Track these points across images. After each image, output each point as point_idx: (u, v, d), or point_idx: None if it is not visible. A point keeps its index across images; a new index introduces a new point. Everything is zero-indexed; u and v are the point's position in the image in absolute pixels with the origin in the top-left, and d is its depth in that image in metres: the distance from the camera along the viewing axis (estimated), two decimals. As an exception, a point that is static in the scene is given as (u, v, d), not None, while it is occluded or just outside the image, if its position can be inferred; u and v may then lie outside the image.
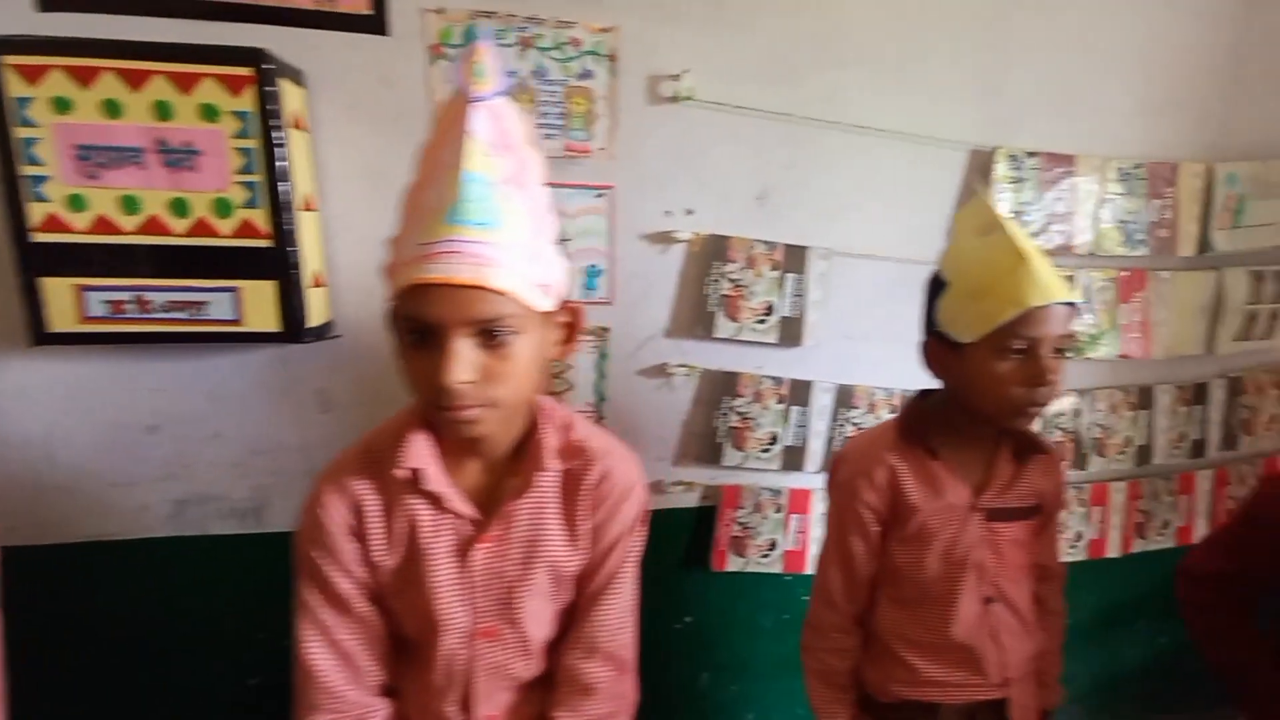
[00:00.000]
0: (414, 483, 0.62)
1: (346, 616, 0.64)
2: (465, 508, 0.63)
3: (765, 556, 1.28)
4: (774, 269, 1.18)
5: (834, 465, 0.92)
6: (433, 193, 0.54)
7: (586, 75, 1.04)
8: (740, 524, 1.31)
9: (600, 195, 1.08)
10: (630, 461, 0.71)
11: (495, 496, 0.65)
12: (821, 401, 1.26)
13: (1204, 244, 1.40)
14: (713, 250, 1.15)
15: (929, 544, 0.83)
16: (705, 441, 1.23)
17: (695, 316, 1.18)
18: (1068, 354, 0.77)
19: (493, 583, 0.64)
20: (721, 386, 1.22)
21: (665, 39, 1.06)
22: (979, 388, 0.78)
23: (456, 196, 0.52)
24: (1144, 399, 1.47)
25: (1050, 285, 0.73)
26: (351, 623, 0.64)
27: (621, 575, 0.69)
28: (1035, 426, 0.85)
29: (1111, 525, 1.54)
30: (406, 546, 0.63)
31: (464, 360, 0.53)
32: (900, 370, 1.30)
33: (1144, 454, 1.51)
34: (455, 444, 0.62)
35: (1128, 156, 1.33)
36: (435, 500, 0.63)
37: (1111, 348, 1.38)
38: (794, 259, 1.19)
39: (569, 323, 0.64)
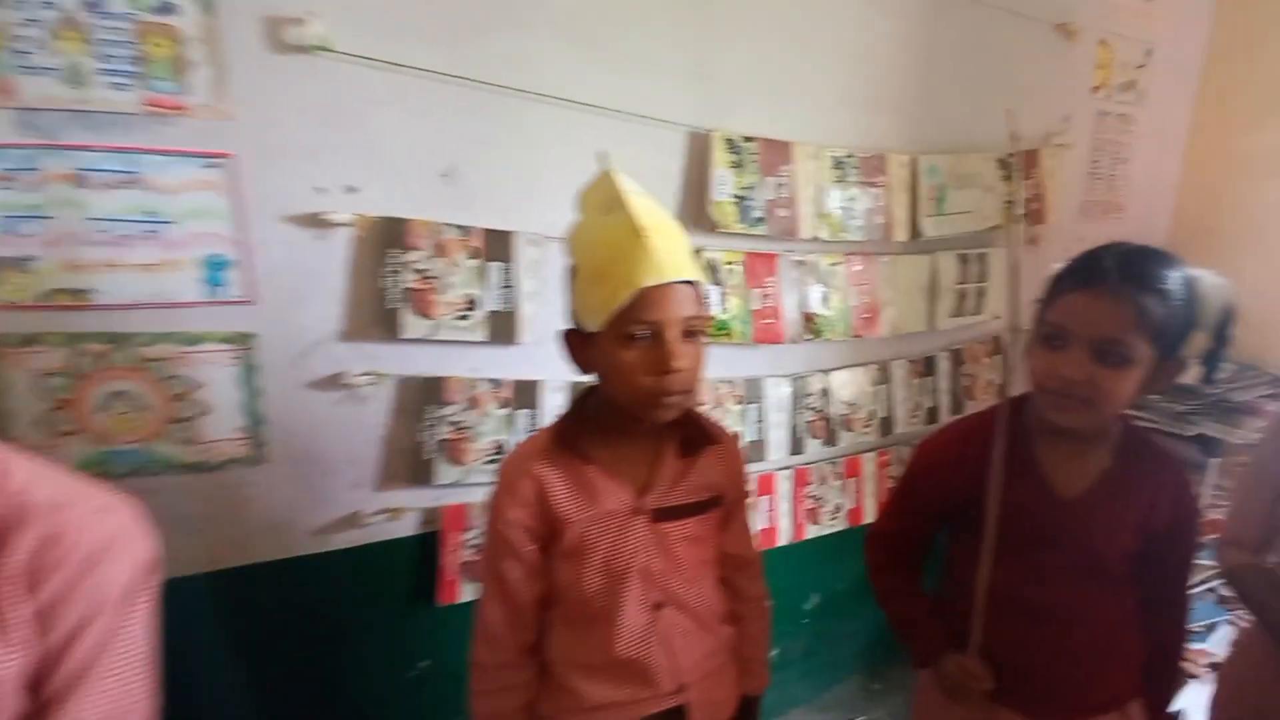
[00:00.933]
0: None
1: None
2: None
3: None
4: (473, 257, 0.98)
5: None
6: None
7: (167, 9, 0.74)
8: (472, 547, 1.12)
9: (213, 166, 0.80)
10: (107, 512, 0.50)
11: None
12: (554, 402, 1.08)
13: (915, 230, 1.44)
14: (387, 235, 0.92)
15: (587, 557, 0.71)
16: (412, 459, 1.00)
17: (375, 315, 0.94)
18: (702, 336, 0.69)
19: None
20: (424, 394, 0.99)
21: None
22: (612, 380, 0.69)
23: None
24: (883, 374, 1.51)
25: (665, 263, 0.64)
26: None
27: (96, 675, 0.48)
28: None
29: (866, 494, 1.64)
30: None
31: None
32: None
33: (887, 425, 1.53)
34: None
35: (840, 146, 1.31)
36: None
37: (844, 328, 1.38)
38: (498, 245, 1.00)
39: None
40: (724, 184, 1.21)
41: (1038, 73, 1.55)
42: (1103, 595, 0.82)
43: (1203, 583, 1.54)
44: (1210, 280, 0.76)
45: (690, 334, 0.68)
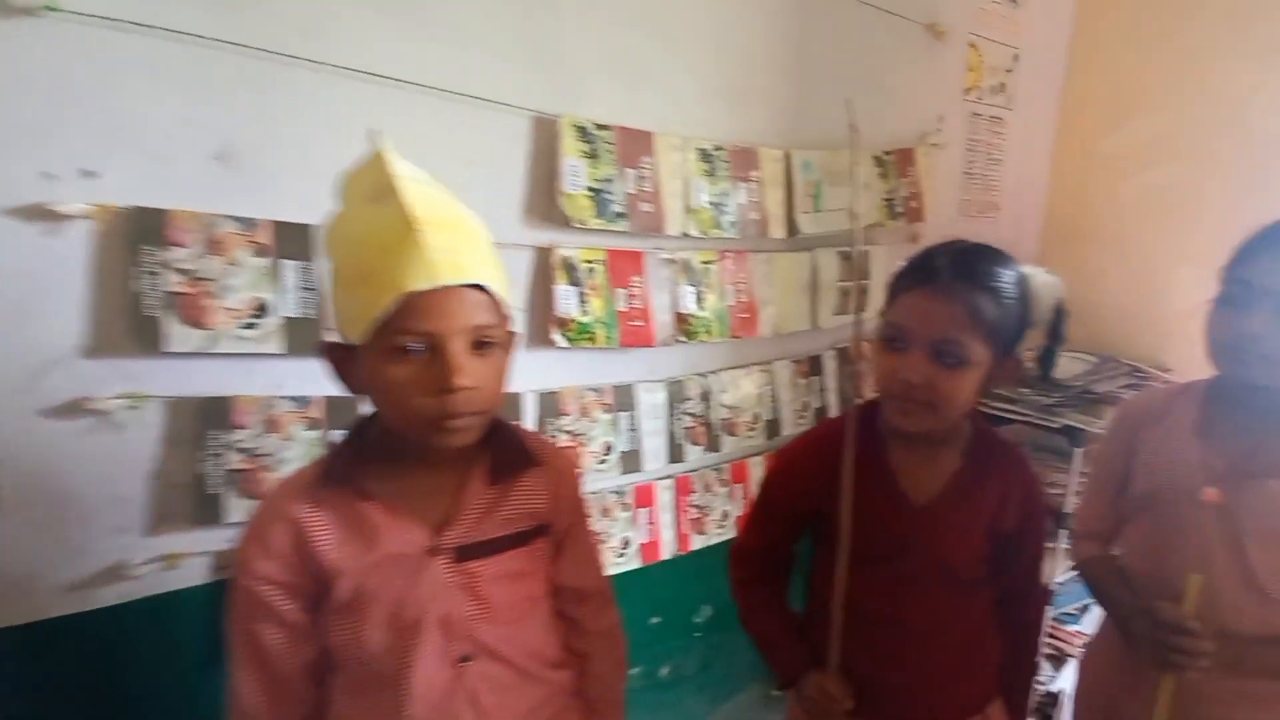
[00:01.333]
0: None
1: None
2: None
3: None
4: (260, 255, 0.84)
5: None
6: None
7: None
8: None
9: None
10: None
11: None
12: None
13: (792, 227, 1.39)
14: (139, 229, 0.77)
15: (368, 610, 0.60)
16: (193, 495, 0.84)
17: (129, 325, 0.78)
18: (502, 349, 0.61)
19: None
20: (204, 418, 0.84)
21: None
22: (383, 402, 0.59)
23: None
24: (766, 375, 1.43)
25: (441, 263, 0.55)
26: None
27: None
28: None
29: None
30: None
31: None
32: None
33: (773, 427, 1.49)
34: None
35: (707, 138, 1.25)
36: None
37: (721, 329, 1.31)
38: (293, 241, 0.86)
39: None
40: (576, 175, 1.12)
41: (911, 72, 1.56)
42: (958, 601, 0.81)
43: (1074, 568, 1.60)
44: (1042, 278, 0.76)
45: (483, 346, 0.59)
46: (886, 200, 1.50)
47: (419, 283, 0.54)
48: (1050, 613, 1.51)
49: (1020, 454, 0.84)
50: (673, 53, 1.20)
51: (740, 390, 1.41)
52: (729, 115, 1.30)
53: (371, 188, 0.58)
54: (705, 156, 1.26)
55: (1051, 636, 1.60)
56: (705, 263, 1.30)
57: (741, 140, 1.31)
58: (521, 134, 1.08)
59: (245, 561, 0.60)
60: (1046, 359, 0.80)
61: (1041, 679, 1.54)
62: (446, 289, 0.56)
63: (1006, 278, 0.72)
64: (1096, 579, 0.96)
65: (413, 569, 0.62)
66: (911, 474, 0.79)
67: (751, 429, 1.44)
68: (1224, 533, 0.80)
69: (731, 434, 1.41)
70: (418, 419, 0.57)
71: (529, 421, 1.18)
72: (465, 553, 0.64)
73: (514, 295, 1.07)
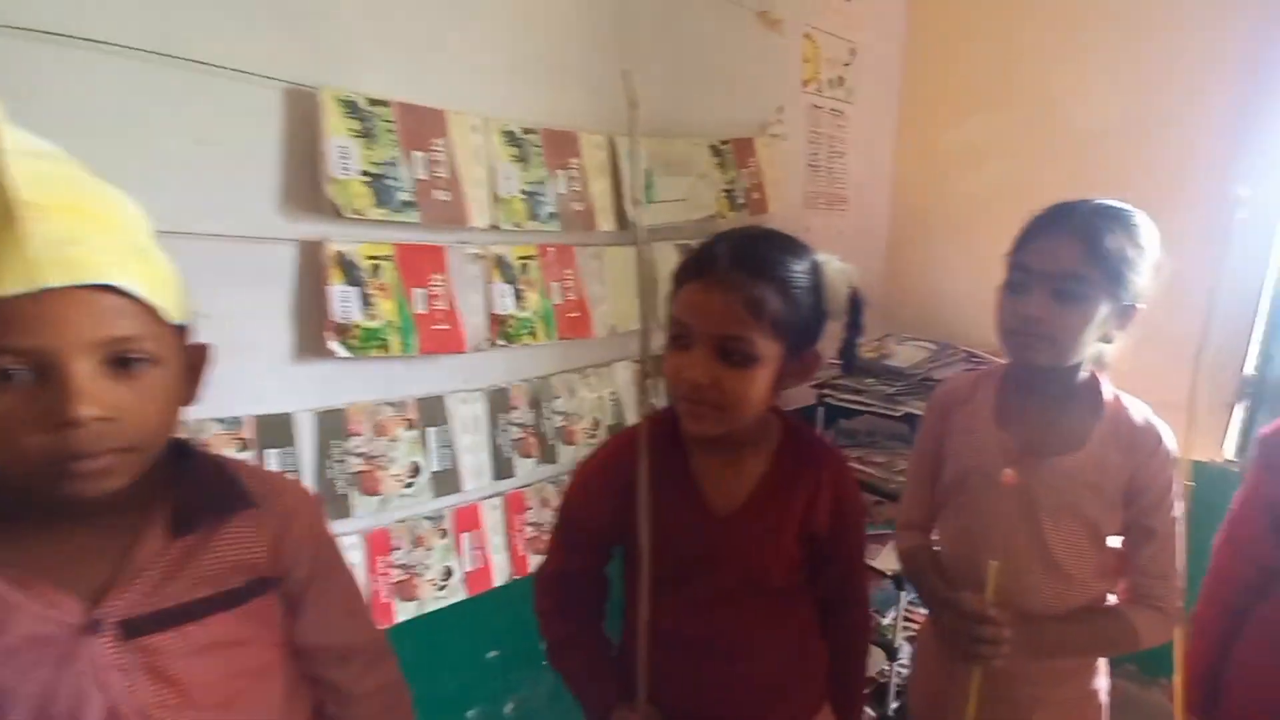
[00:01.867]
0: None
1: None
2: None
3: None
4: None
5: None
6: None
7: None
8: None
9: None
10: None
11: None
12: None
13: (622, 219, 1.30)
14: None
15: (4, 714, 0.46)
16: None
17: None
18: (152, 365, 0.48)
19: None
20: None
21: None
22: None
23: None
24: (604, 378, 1.33)
25: (49, 259, 0.42)
26: None
27: None
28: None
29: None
30: None
31: None
32: (248, 388, 0.94)
33: (614, 433, 1.54)
34: None
35: (515, 120, 1.14)
36: None
37: (547, 330, 1.20)
38: None
39: None
40: (346, 158, 0.96)
41: (747, 61, 1.53)
42: (775, 613, 0.77)
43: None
44: (836, 266, 0.72)
45: (126, 364, 0.47)
46: (726, 191, 1.46)
47: (13, 285, 0.42)
48: (906, 597, 1.53)
49: (833, 453, 0.81)
50: (466, 16, 1.07)
51: (576, 396, 1.31)
52: (540, 95, 1.19)
53: None
54: (513, 140, 1.14)
55: (908, 621, 1.64)
56: (523, 258, 1.18)
57: (557, 123, 1.20)
58: (273, 108, 0.91)
59: None
60: (847, 351, 0.76)
61: (879, 670, 1.57)
62: (58, 292, 0.43)
63: (792, 266, 0.68)
64: (913, 571, 0.97)
65: (61, 654, 0.48)
66: (715, 482, 0.74)
67: (592, 436, 1.34)
68: (1023, 513, 0.82)
69: (569, 443, 1.31)
70: (27, 463, 0.44)
71: (307, 446, 1.00)
72: (138, 626, 0.51)
73: (250, 297, 0.90)
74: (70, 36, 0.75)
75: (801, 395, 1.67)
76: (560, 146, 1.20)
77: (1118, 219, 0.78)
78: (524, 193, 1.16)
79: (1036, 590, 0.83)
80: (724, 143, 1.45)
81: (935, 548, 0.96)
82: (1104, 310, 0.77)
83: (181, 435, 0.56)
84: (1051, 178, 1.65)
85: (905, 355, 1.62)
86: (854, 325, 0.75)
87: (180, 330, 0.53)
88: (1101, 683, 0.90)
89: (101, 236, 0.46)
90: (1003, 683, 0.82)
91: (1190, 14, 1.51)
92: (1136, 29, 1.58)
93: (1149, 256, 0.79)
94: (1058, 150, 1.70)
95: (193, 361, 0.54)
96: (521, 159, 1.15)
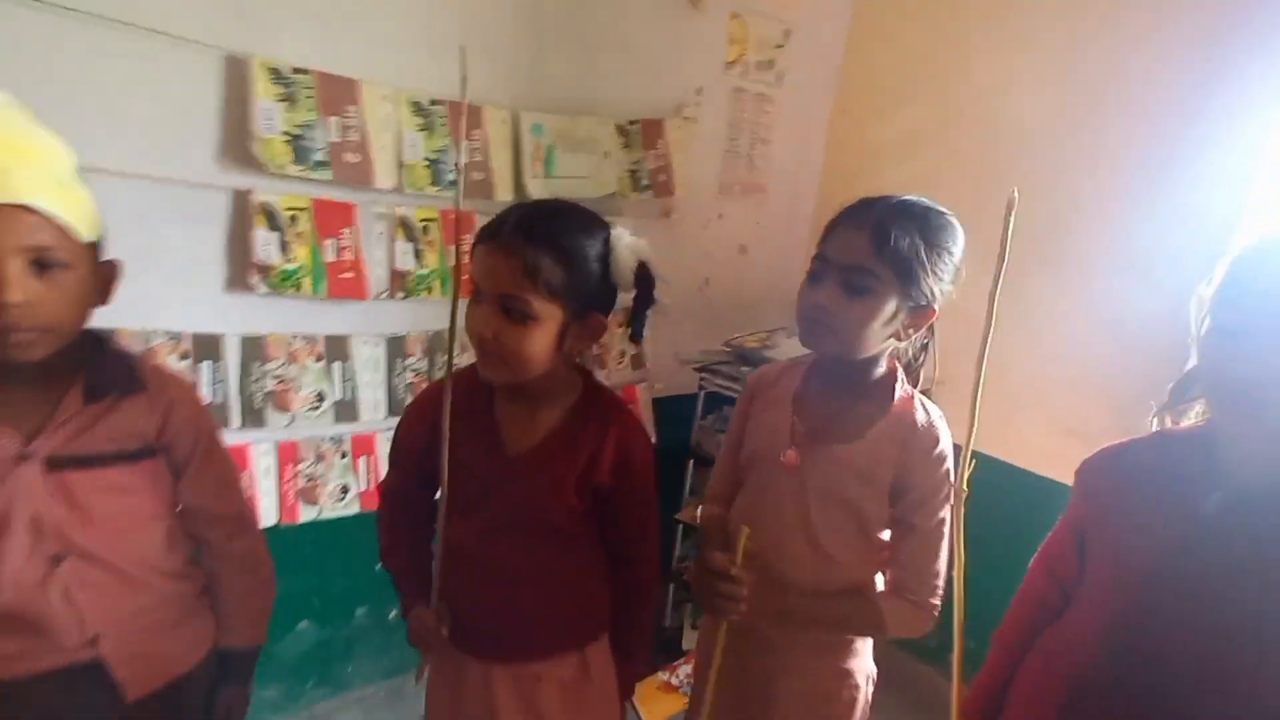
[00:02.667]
0: None
1: None
2: None
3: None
4: None
5: None
6: None
7: None
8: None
9: None
10: None
11: None
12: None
13: (520, 190, 1.43)
14: None
15: None
16: None
17: None
18: (65, 271, 0.64)
19: None
20: None
21: None
22: None
23: None
24: None
25: None
26: None
27: None
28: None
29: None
30: None
31: None
32: (187, 310, 1.15)
33: None
34: None
35: (422, 91, 1.28)
36: None
37: (445, 290, 1.34)
38: None
39: None
40: (271, 119, 1.12)
41: (668, 41, 1.61)
42: (554, 550, 0.86)
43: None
44: (627, 241, 0.79)
45: (45, 267, 0.63)
46: (631, 172, 1.58)
47: None
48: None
49: (627, 417, 0.88)
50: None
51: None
52: (450, 69, 1.31)
53: None
54: (420, 110, 1.28)
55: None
56: (425, 220, 1.34)
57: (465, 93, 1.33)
58: (211, 72, 1.07)
59: None
60: (635, 321, 0.85)
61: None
62: None
63: (576, 237, 0.75)
64: (704, 536, 1.04)
65: (1, 474, 0.68)
66: (511, 426, 0.84)
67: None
68: (795, 492, 0.87)
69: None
70: None
71: (233, 363, 1.21)
72: (59, 463, 0.71)
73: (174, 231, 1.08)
74: (44, 2, 0.90)
75: (685, 382, 1.81)
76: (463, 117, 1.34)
77: (918, 218, 0.78)
78: (427, 160, 1.31)
79: (798, 565, 0.87)
80: (632, 123, 1.57)
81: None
82: (892, 306, 0.78)
83: (100, 329, 0.74)
84: (985, 171, 1.67)
85: (788, 348, 1.71)
86: (642, 298, 0.82)
87: (93, 246, 0.70)
88: (859, 664, 0.92)
89: (23, 164, 0.63)
90: (755, 644, 0.87)
91: (1126, 10, 1.49)
92: (1073, 24, 1.56)
93: (949, 260, 0.79)
94: (980, 145, 1.70)
95: (103, 272, 0.72)
96: (427, 128, 1.29)
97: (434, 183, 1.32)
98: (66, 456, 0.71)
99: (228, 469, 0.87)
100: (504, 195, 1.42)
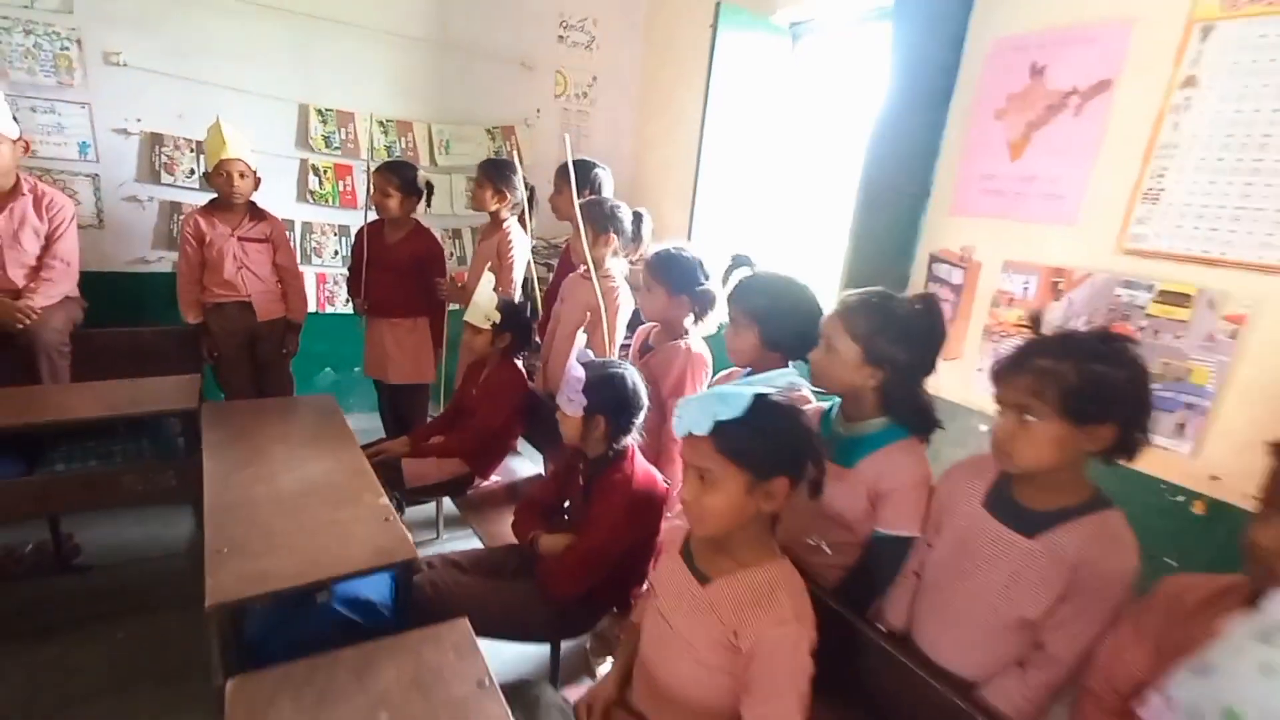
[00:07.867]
0: None
1: None
2: None
3: None
4: None
5: None
6: None
7: None
8: None
9: None
10: None
11: None
12: None
13: (432, 162, 3.15)
14: None
15: None
16: None
17: None
18: None
19: None
20: None
21: None
22: None
23: None
24: None
25: None
26: None
27: None
28: None
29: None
30: None
31: None
32: (279, 209, 2.69)
33: None
34: None
35: (383, 114, 3.01)
36: None
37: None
38: None
39: None
40: (315, 130, 2.76)
41: (515, 82, 3.16)
42: None
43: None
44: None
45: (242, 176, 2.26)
46: (494, 154, 3.13)
47: None
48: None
49: None
50: (364, 62, 2.80)
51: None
52: (397, 102, 2.91)
53: None
54: (382, 124, 2.88)
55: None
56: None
57: (404, 116, 2.92)
58: (293, 108, 2.71)
59: None
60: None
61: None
62: None
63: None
64: None
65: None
66: None
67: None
68: None
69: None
70: None
71: (298, 233, 2.86)
72: (242, 240, 2.34)
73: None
74: (209, 84, 2.55)
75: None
76: (405, 129, 2.93)
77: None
78: (386, 146, 2.90)
79: None
80: (495, 127, 3.12)
81: None
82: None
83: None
84: (687, 160, 3.12)
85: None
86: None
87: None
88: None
89: (239, 142, 2.25)
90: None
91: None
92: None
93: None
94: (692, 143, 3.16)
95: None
96: (385, 132, 2.89)
97: (388, 155, 2.92)
98: (244, 237, 2.32)
99: (293, 257, 2.48)
100: (424, 164, 2.99)
